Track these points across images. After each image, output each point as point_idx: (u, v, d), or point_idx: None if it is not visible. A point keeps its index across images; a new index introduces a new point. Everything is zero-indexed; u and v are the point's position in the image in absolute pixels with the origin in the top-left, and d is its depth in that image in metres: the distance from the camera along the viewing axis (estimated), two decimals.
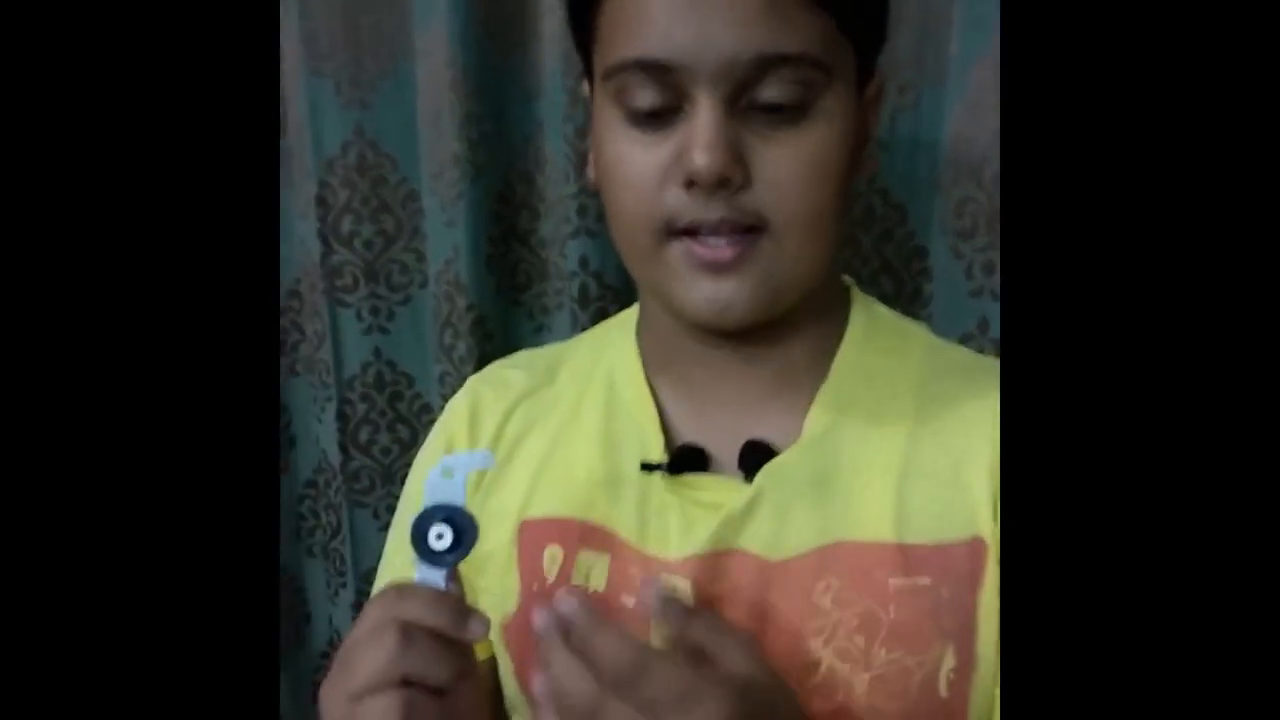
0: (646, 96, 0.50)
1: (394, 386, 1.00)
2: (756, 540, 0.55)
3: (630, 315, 0.66)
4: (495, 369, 0.69)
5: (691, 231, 0.51)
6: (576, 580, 0.58)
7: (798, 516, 0.55)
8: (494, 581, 0.61)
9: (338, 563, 1.05)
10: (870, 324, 0.60)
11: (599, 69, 0.53)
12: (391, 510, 0.78)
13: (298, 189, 0.96)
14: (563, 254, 0.90)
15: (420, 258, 0.97)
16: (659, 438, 0.59)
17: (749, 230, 0.51)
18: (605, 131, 0.53)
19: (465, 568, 0.61)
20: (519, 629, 0.59)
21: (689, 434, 0.60)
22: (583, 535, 0.58)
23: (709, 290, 0.52)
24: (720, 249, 0.51)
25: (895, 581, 0.53)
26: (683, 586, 0.55)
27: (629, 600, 0.56)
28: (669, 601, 0.47)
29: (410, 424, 1.00)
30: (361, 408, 0.99)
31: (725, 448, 0.58)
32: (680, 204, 0.51)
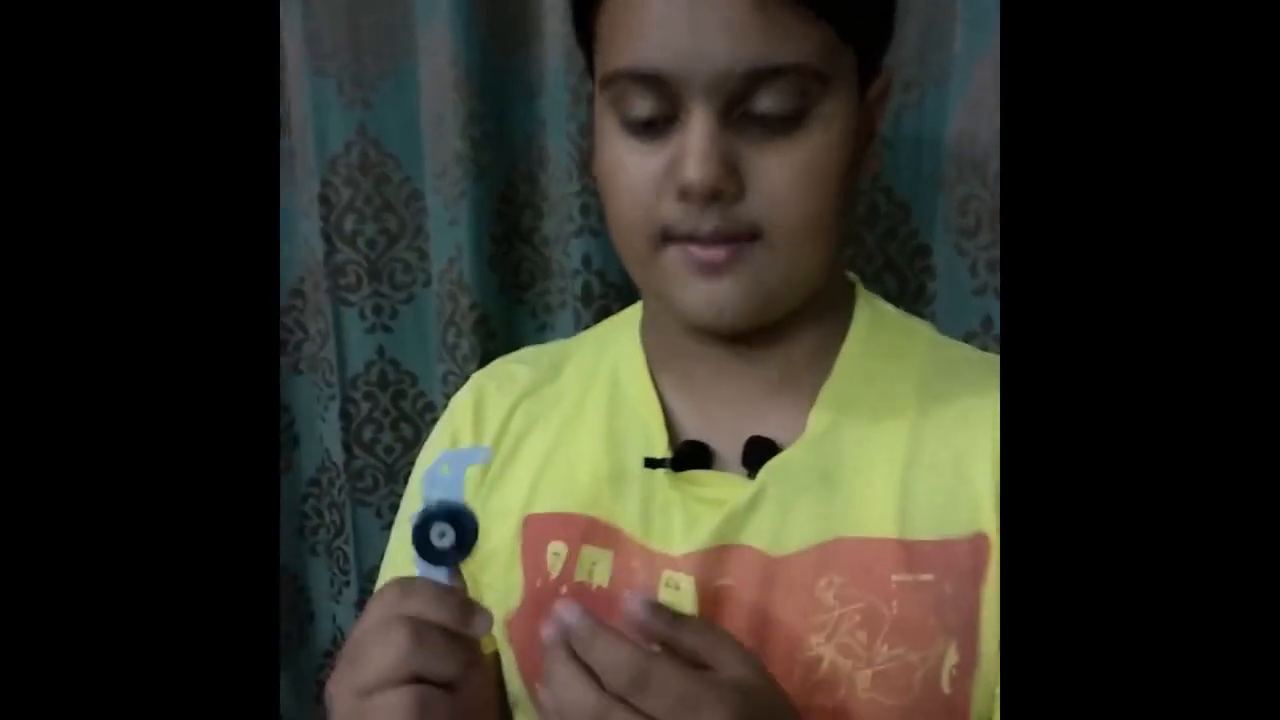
0: (642, 106, 0.50)
1: (397, 385, 1.00)
2: (759, 536, 0.55)
3: (635, 312, 0.66)
4: (500, 364, 0.70)
5: (687, 238, 0.51)
6: (580, 576, 0.58)
7: (800, 512, 0.55)
8: (497, 577, 0.61)
9: (341, 562, 1.05)
10: (875, 322, 0.60)
11: (598, 74, 0.53)
12: (395, 509, 0.78)
13: (301, 188, 0.96)
14: (566, 252, 0.90)
15: (423, 256, 0.97)
16: (663, 434, 0.59)
17: (744, 237, 0.51)
18: (604, 137, 0.54)
19: (468, 563, 0.61)
20: (522, 625, 0.60)
21: (693, 431, 0.60)
22: (587, 531, 0.58)
23: (703, 292, 0.52)
24: (714, 251, 0.51)
25: (898, 577, 0.53)
26: (686, 586, 0.55)
27: None
28: (657, 609, 0.46)
29: (413, 423, 1.00)
30: (365, 407, 0.99)
31: (729, 444, 0.58)
32: (675, 213, 0.51)
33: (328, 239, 0.95)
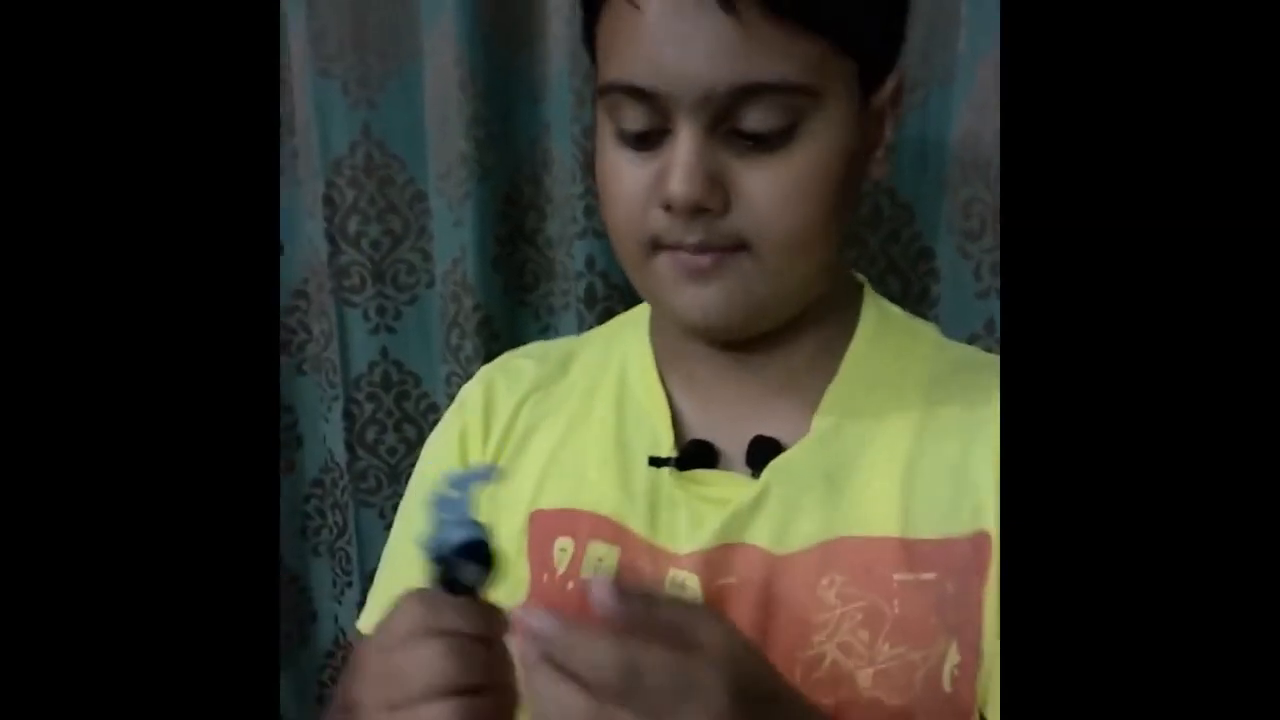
0: (634, 119, 0.51)
1: (401, 386, 1.00)
2: (763, 534, 0.55)
3: (643, 311, 0.66)
4: (509, 358, 0.70)
5: (675, 246, 0.52)
6: (586, 572, 0.58)
7: (804, 511, 0.55)
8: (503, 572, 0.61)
9: (343, 562, 1.05)
10: (881, 324, 0.61)
11: (598, 83, 0.54)
12: (397, 510, 0.78)
13: (305, 189, 0.97)
14: (569, 254, 0.90)
15: (427, 258, 0.97)
16: (669, 433, 0.59)
17: (730, 249, 0.51)
18: (602, 144, 0.54)
19: None
20: None
21: (699, 430, 0.60)
22: (593, 527, 0.59)
23: (692, 296, 0.53)
24: (700, 258, 0.51)
25: (900, 576, 0.53)
26: (691, 585, 0.55)
27: None
28: (627, 593, 0.43)
29: (417, 424, 1.00)
30: (368, 407, 0.99)
31: (734, 444, 0.58)
32: (663, 224, 0.51)
33: (332, 240, 0.95)
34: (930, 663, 0.52)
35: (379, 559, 0.69)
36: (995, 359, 0.61)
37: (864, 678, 0.52)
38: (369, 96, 0.92)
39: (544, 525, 0.60)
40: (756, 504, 0.55)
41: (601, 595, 0.41)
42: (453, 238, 0.92)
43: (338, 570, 1.06)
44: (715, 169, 0.50)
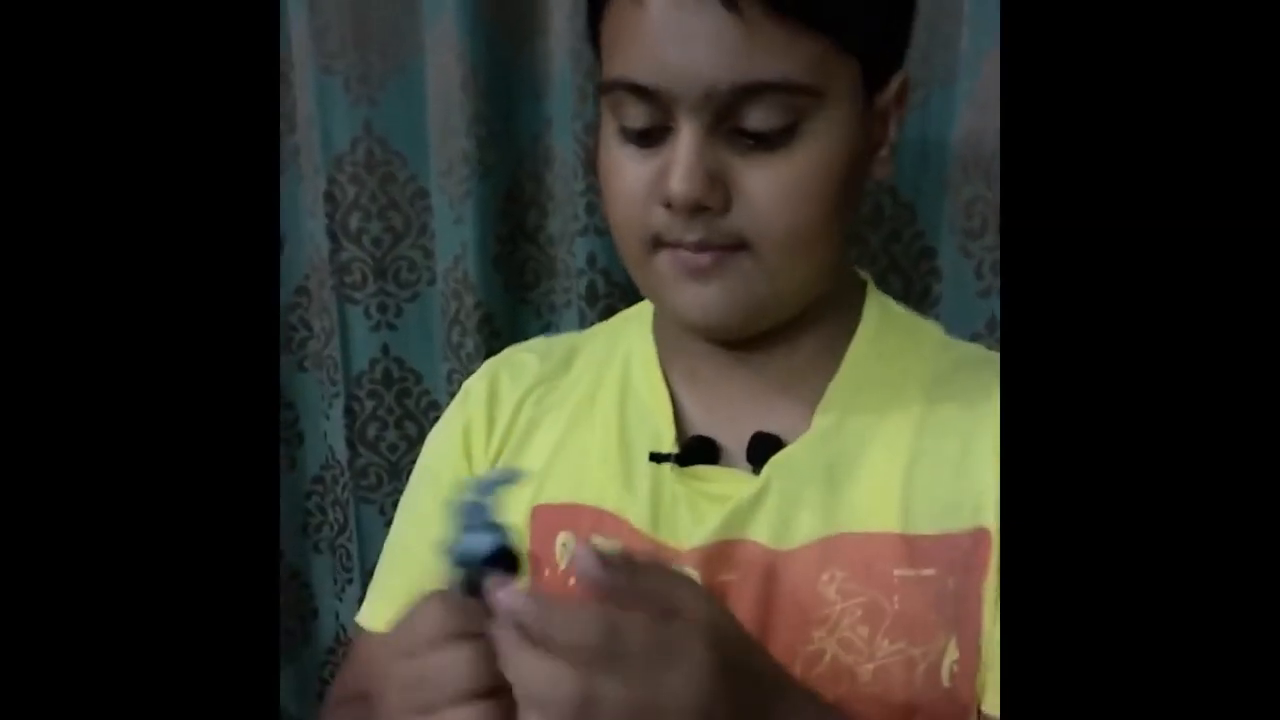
0: (636, 116, 0.51)
1: (402, 383, 1.00)
2: (763, 531, 0.55)
3: (646, 307, 0.66)
4: (513, 352, 0.70)
5: (676, 244, 0.52)
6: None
7: (804, 507, 0.55)
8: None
9: (344, 559, 1.05)
10: (883, 322, 0.61)
11: (602, 79, 0.54)
12: (398, 507, 0.78)
13: (306, 186, 0.97)
14: (571, 251, 0.90)
15: (428, 255, 0.97)
16: (671, 429, 0.60)
17: (730, 247, 0.51)
18: (605, 140, 0.54)
19: None
20: None
21: (701, 426, 0.60)
22: (595, 522, 0.59)
23: (692, 295, 0.53)
24: (701, 256, 0.52)
25: (900, 572, 0.53)
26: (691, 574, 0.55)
27: None
28: (611, 561, 0.42)
29: (417, 421, 1.00)
30: (369, 404, 0.99)
31: (735, 440, 0.58)
32: (664, 221, 0.52)
33: (333, 237, 0.95)
34: (930, 659, 0.52)
35: (380, 555, 0.69)
36: (998, 357, 0.61)
37: (864, 674, 0.52)
38: (370, 93, 0.92)
39: (546, 520, 0.60)
40: (757, 500, 0.55)
41: (585, 563, 0.41)
42: (454, 235, 0.92)
43: (339, 567, 1.06)
44: (716, 167, 0.50)
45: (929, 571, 0.53)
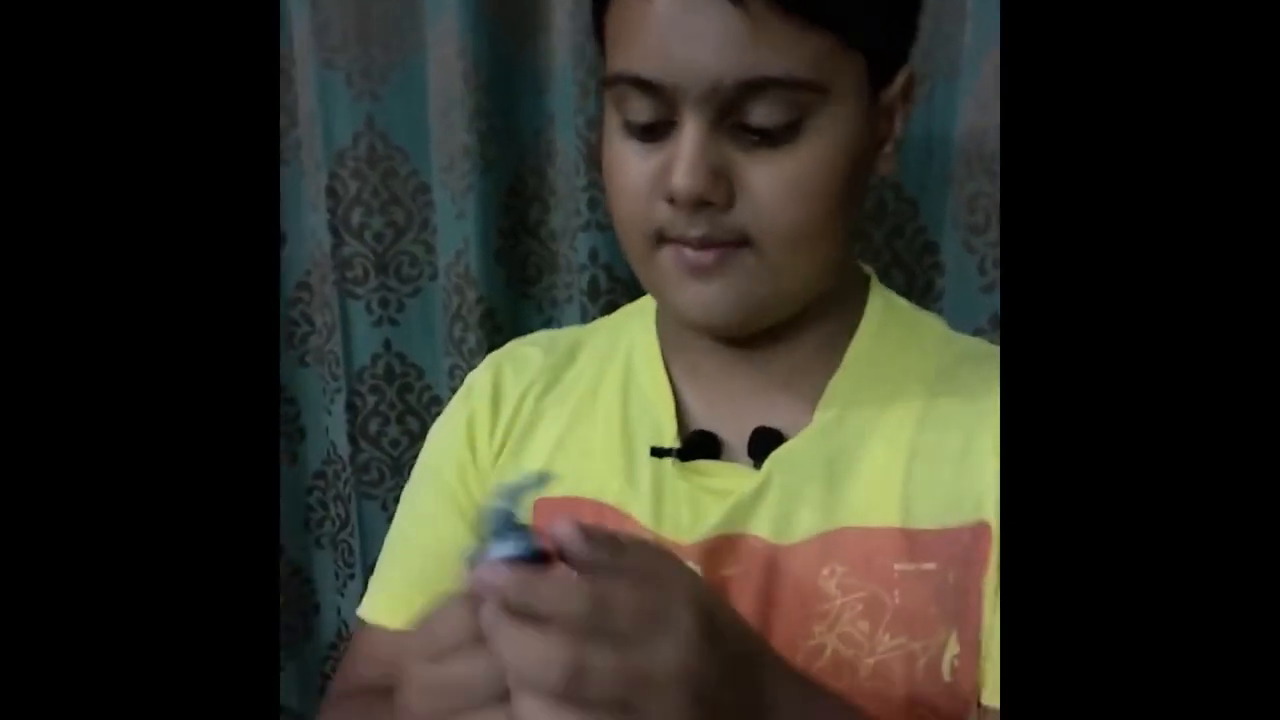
0: (641, 110, 0.50)
1: (403, 379, 1.00)
2: (764, 525, 0.55)
3: (649, 301, 0.66)
4: (516, 346, 0.70)
5: (679, 240, 0.52)
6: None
7: (805, 502, 0.55)
8: None
9: (346, 555, 1.05)
10: (886, 316, 0.61)
11: (606, 73, 0.54)
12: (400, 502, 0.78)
13: (308, 181, 0.97)
14: (573, 247, 0.90)
15: (430, 250, 0.97)
16: (673, 423, 0.60)
17: (733, 244, 0.51)
18: (609, 134, 0.54)
19: None
20: None
21: (703, 421, 0.60)
22: (597, 516, 0.59)
23: (694, 293, 0.53)
24: (703, 254, 0.51)
25: (900, 566, 0.53)
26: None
27: None
28: (595, 538, 0.41)
29: (419, 416, 1.00)
30: (371, 400, 0.99)
31: (737, 435, 0.58)
32: (667, 217, 0.51)
33: (335, 232, 0.95)
34: (930, 653, 0.52)
35: (381, 550, 0.69)
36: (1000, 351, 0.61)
37: (864, 668, 0.52)
38: (372, 88, 0.92)
39: (548, 514, 0.60)
40: (758, 495, 0.55)
41: (568, 539, 0.40)
42: (456, 230, 0.92)
43: (340, 562, 1.06)
44: (720, 163, 0.49)
45: (929, 566, 0.53)
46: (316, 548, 1.10)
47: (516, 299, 0.96)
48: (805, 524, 0.55)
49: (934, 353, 0.60)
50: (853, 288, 0.61)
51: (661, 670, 0.37)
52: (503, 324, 0.94)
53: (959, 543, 0.53)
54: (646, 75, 0.49)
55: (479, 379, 0.67)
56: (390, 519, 0.69)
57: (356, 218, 0.95)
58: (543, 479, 0.44)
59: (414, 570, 0.65)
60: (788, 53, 0.47)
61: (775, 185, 0.50)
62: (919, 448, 0.55)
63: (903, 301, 0.63)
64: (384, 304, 0.98)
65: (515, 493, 0.43)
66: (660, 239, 0.53)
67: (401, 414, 1.00)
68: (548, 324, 0.97)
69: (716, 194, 0.49)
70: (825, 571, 0.53)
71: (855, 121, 0.51)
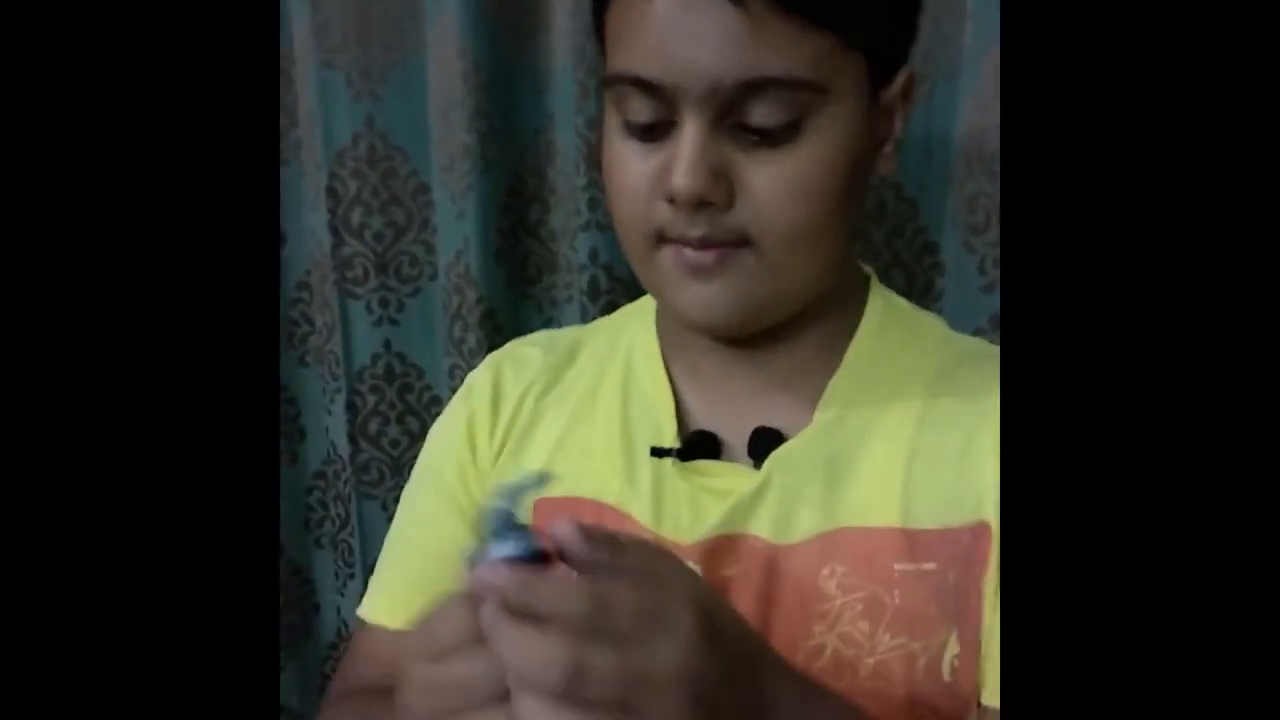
0: (641, 110, 0.50)
1: (403, 379, 1.00)
2: (764, 525, 0.55)
3: (649, 301, 0.66)
4: (516, 346, 0.70)
5: (679, 240, 0.52)
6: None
7: (805, 502, 0.55)
8: None
9: (346, 554, 1.05)
10: (886, 316, 0.61)
11: (606, 73, 0.54)
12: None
13: (308, 181, 0.97)
14: (573, 247, 0.90)
15: (430, 250, 0.97)
16: (673, 423, 0.60)
17: (733, 244, 0.51)
18: (609, 134, 0.54)
19: None
20: None
21: (703, 421, 0.60)
22: (597, 516, 0.59)
23: (694, 293, 0.53)
24: (703, 254, 0.51)
25: (900, 566, 0.53)
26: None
27: None
28: (595, 538, 0.41)
29: (419, 416, 1.00)
30: (371, 399, 0.99)
31: (737, 435, 0.58)
32: (667, 217, 0.51)
33: (335, 232, 0.95)
34: (930, 653, 0.52)
35: (381, 550, 0.69)
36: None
37: (864, 668, 0.52)
38: (372, 88, 0.92)
39: (548, 514, 0.60)
40: (758, 495, 0.55)
41: (568, 539, 0.40)
42: (456, 230, 0.92)
43: (340, 562, 1.06)
44: (720, 163, 0.49)
45: (929, 566, 0.53)
46: (316, 548, 1.10)
47: (516, 299, 0.96)
48: (805, 524, 0.55)
49: (934, 353, 0.60)
50: (853, 288, 0.61)
51: (661, 670, 0.37)
52: (503, 324, 0.94)
53: (959, 543, 0.53)
54: (646, 75, 0.49)
55: (479, 379, 0.67)
56: (390, 519, 0.69)
57: (356, 218, 0.95)
58: (543, 479, 0.43)
59: (414, 570, 0.65)
60: (788, 53, 0.47)
61: (775, 185, 0.50)
62: (919, 448, 0.55)
63: (903, 301, 0.63)
64: (384, 304, 0.98)
65: (515, 493, 0.43)
66: (660, 239, 0.53)
67: (401, 414, 1.00)
68: (548, 324, 0.97)
69: (716, 194, 0.49)
70: (825, 571, 0.53)
71: (855, 121, 0.51)
